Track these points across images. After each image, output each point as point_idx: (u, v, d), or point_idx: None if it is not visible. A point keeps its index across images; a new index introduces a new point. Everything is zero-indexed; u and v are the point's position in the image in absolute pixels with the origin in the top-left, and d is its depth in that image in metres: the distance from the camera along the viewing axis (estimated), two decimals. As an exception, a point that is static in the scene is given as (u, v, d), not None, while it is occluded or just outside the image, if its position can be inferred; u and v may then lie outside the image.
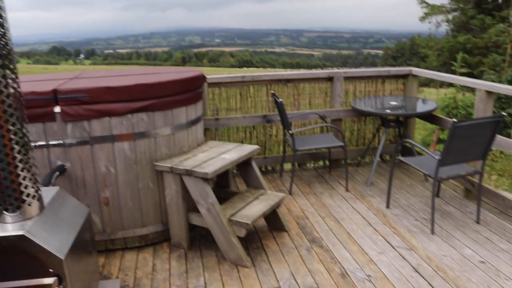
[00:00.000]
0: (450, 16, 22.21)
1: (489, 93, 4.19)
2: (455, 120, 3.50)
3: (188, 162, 3.50)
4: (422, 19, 22.83)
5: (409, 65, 27.65)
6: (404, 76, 5.54)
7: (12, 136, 2.10)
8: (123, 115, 3.33)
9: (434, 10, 22.30)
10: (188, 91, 3.72)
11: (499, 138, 3.93)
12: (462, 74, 12.13)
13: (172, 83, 3.54)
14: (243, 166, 3.96)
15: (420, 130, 12.71)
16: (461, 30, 21.33)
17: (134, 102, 3.35)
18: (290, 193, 4.75)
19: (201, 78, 4.02)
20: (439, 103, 11.44)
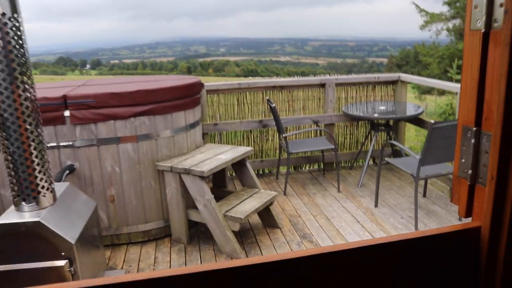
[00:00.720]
0: (450, 24, 22.53)
1: (469, 97, 4.47)
2: (432, 121, 3.77)
3: (187, 162, 3.79)
4: (422, 27, 23.16)
5: (412, 73, 27.89)
6: (394, 82, 5.82)
7: (29, 135, 2.40)
8: (126, 119, 3.64)
9: (433, 18, 22.61)
10: (186, 96, 4.02)
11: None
12: (458, 81, 12.40)
13: (171, 89, 3.85)
14: (239, 166, 4.24)
15: (421, 137, 12.94)
16: (462, 38, 21.56)
17: (136, 106, 3.66)
18: (285, 193, 5.01)
19: (199, 85, 4.33)
20: (437, 110, 11.70)
